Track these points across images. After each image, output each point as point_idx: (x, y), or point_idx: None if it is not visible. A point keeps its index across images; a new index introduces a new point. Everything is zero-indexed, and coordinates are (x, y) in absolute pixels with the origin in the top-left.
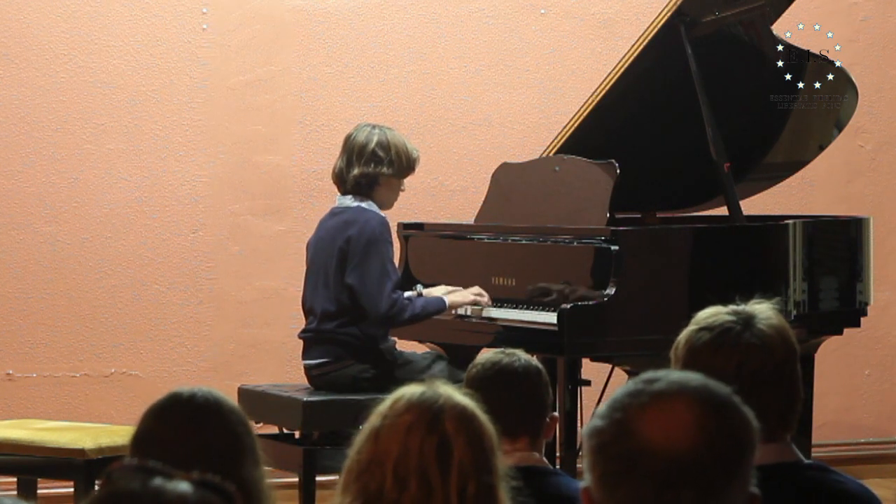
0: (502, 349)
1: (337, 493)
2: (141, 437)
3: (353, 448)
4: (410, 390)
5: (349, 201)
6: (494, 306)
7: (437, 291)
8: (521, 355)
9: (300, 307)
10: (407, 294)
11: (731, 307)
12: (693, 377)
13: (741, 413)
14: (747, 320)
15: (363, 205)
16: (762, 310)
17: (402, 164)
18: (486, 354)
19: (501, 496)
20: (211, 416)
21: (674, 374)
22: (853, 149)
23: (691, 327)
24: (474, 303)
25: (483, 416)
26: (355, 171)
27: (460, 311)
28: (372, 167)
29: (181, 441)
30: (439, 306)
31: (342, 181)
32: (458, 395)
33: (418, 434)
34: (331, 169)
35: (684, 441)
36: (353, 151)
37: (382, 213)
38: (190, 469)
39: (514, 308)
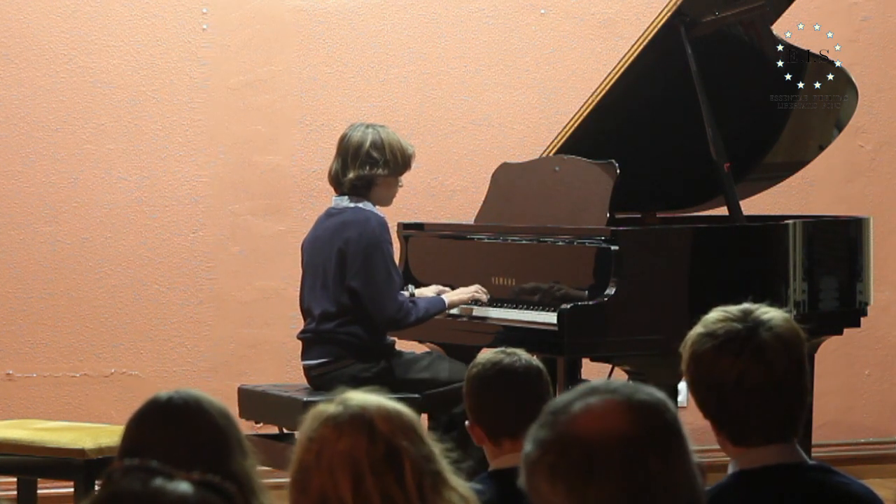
0: (503, 349)
1: None
2: (127, 447)
3: (293, 491)
4: (330, 412)
5: (346, 202)
6: (494, 306)
7: (429, 292)
8: (522, 355)
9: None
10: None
11: (742, 309)
12: (590, 383)
13: (654, 394)
14: (753, 329)
15: (360, 205)
16: (772, 317)
17: (398, 162)
18: (486, 354)
19: (451, 477)
20: (191, 415)
21: (572, 392)
22: (853, 149)
23: (698, 330)
24: (473, 300)
25: (405, 408)
26: (351, 175)
27: (452, 311)
28: (367, 169)
29: (166, 443)
30: (440, 307)
31: (338, 183)
32: (373, 398)
33: (363, 451)
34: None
35: (623, 422)
36: (348, 153)
37: (380, 213)
38: (180, 469)
39: (514, 308)
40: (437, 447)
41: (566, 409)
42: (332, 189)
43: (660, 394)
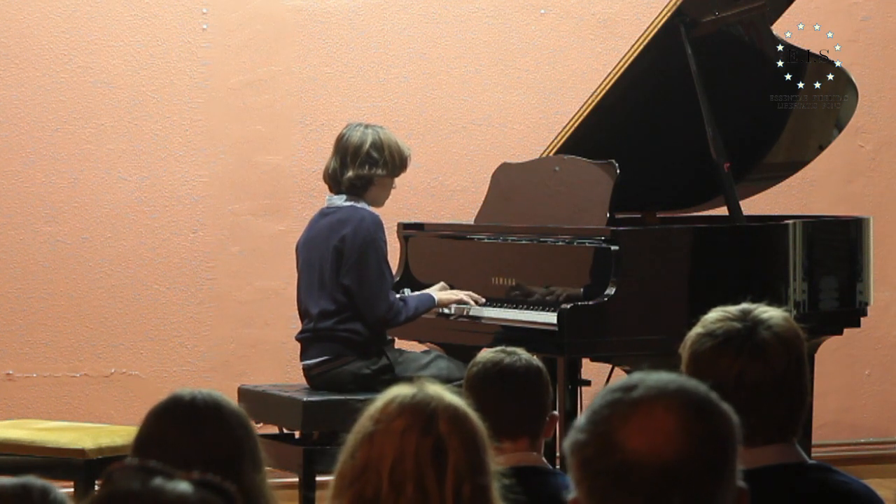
0: (502, 348)
1: (329, 497)
2: (142, 438)
3: (344, 452)
4: (402, 393)
5: (340, 201)
6: (494, 306)
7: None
8: (523, 354)
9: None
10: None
11: (741, 308)
12: (670, 379)
13: (721, 412)
14: (752, 328)
15: (356, 204)
16: (771, 316)
17: (396, 163)
18: (486, 353)
19: (494, 496)
20: (211, 420)
21: (650, 379)
22: (853, 149)
23: (697, 330)
24: (462, 301)
25: (474, 415)
26: (350, 174)
27: (444, 310)
28: (367, 169)
29: (181, 443)
30: (429, 304)
31: (336, 182)
32: (449, 395)
33: (413, 438)
34: None
35: (669, 450)
36: (348, 153)
37: (375, 212)
38: (190, 471)
39: (514, 308)
40: (496, 467)
41: (626, 405)
42: (329, 189)
43: (730, 421)
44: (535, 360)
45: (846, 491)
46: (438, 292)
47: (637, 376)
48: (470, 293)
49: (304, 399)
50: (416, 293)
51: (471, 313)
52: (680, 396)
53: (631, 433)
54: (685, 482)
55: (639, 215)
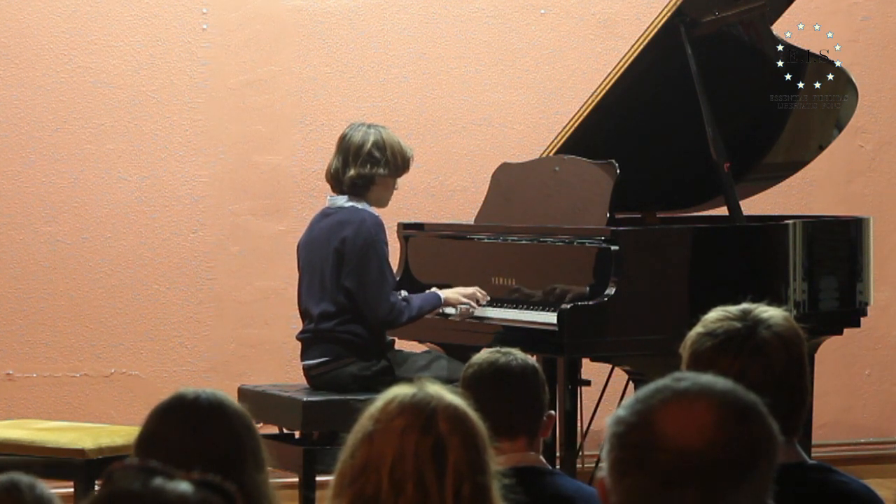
0: (498, 348)
1: (329, 497)
2: (145, 437)
3: (344, 452)
4: (401, 392)
5: (342, 201)
6: (494, 306)
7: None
8: (518, 354)
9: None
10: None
11: (741, 308)
12: (722, 382)
13: (764, 422)
14: (752, 327)
15: (357, 205)
16: (770, 315)
17: (398, 163)
18: (482, 354)
19: (495, 495)
20: (214, 419)
21: (703, 377)
22: (853, 149)
23: (697, 329)
24: (471, 296)
25: (474, 415)
26: (352, 173)
27: (449, 313)
28: (368, 168)
29: (184, 442)
30: (435, 303)
31: (338, 181)
32: (449, 395)
33: (413, 437)
34: None
35: (698, 440)
36: (350, 152)
37: (376, 213)
38: (192, 470)
39: (514, 308)
40: (495, 466)
41: (671, 391)
42: (331, 189)
43: (770, 433)
44: (531, 359)
45: (846, 491)
46: (445, 291)
47: (692, 373)
48: (477, 288)
49: (304, 399)
50: (421, 293)
51: (472, 314)
52: (724, 396)
53: (667, 416)
54: (704, 474)
55: (639, 215)
